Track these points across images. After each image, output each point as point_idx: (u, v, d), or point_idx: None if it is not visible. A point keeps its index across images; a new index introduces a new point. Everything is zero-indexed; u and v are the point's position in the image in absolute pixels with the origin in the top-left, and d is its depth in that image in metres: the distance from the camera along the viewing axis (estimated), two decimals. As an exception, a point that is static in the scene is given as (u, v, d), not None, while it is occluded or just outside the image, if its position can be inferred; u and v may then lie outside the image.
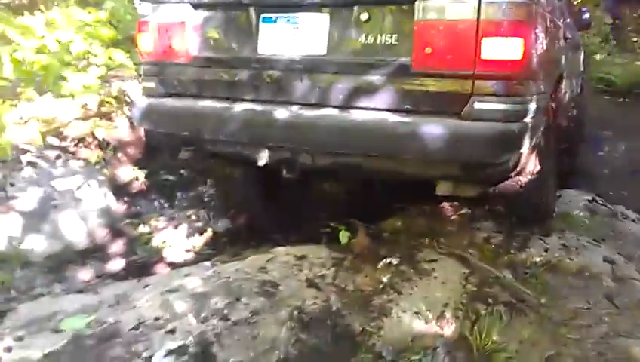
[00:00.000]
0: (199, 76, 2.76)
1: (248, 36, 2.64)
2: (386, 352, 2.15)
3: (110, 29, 4.97)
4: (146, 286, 2.30)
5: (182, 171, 4.05)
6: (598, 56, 8.05)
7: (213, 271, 2.43)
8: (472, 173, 2.44)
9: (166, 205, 3.77)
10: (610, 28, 9.53)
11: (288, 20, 2.56)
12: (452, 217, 3.25)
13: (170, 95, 2.84)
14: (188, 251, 3.45)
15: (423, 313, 2.36)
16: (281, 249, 2.78)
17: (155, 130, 2.91)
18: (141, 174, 3.81)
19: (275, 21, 2.59)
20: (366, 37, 2.42)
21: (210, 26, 2.73)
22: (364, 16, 2.41)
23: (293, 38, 2.54)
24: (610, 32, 9.44)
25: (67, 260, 3.10)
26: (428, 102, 2.31)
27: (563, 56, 3.36)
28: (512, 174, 2.53)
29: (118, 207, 3.52)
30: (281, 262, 2.60)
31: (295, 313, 2.15)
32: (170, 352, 1.86)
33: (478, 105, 2.23)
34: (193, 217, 3.77)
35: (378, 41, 2.39)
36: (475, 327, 2.33)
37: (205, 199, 3.96)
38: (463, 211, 3.34)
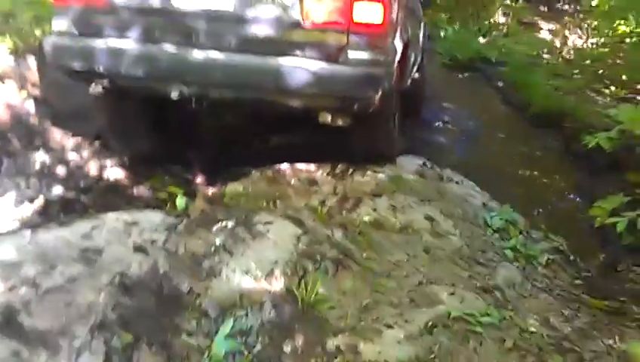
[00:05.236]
0: (117, 20, 3.08)
1: None
2: (212, 310, 2.19)
3: None
4: (-50, 257, 2.11)
5: (8, 136, 3.72)
6: (442, 33, 8.59)
7: (31, 239, 2.29)
8: (346, 106, 3.20)
9: (-11, 173, 3.44)
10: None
11: None
12: (291, 182, 3.35)
13: (85, 35, 3.13)
14: (14, 221, 3.20)
15: (252, 272, 2.42)
16: (111, 215, 2.68)
17: (69, 65, 3.19)
18: (-41, 140, 3.43)
19: None
20: None
21: None
22: None
23: None
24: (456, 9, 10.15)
25: None
26: (314, 51, 2.99)
27: (409, 26, 3.97)
28: (373, 109, 3.23)
29: None
30: (109, 228, 2.52)
31: (117, 278, 2.10)
32: (-33, 324, 1.74)
33: (351, 55, 2.98)
34: (22, 185, 3.49)
35: (277, 2, 2.97)
36: (302, 282, 2.47)
37: (37, 166, 3.68)
38: (304, 175, 3.47)
